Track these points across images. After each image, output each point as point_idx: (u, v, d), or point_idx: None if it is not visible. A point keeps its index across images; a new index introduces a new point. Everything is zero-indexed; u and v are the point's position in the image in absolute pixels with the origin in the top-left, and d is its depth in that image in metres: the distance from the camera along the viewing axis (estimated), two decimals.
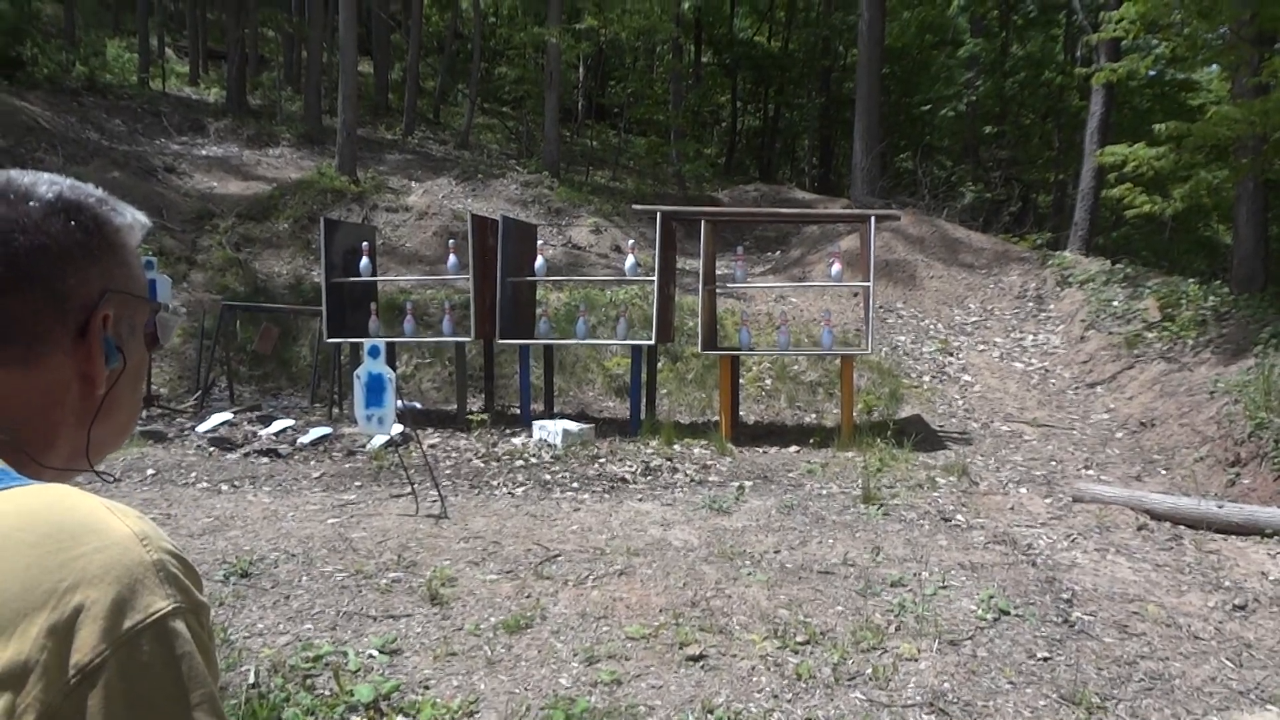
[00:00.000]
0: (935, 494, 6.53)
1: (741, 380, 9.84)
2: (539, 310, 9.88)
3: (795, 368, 10.67)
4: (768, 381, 10.46)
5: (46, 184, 0.89)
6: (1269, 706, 3.47)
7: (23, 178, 0.88)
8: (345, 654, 3.72)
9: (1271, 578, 4.91)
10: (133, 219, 0.95)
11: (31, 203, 0.86)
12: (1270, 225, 13.59)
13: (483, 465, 7.47)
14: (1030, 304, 12.80)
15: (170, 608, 0.75)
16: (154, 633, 0.73)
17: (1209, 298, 10.64)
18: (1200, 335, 9.95)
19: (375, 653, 3.76)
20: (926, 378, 10.75)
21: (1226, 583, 4.81)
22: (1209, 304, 10.49)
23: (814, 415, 9.77)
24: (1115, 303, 11.66)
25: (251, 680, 3.46)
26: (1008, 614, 4.26)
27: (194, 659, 0.75)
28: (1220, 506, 5.85)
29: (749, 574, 4.72)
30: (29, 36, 18.33)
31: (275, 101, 20.93)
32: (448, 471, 7.25)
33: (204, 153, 17.11)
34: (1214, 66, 15.61)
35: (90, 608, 0.72)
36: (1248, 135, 10.43)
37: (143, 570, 0.75)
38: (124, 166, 14.68)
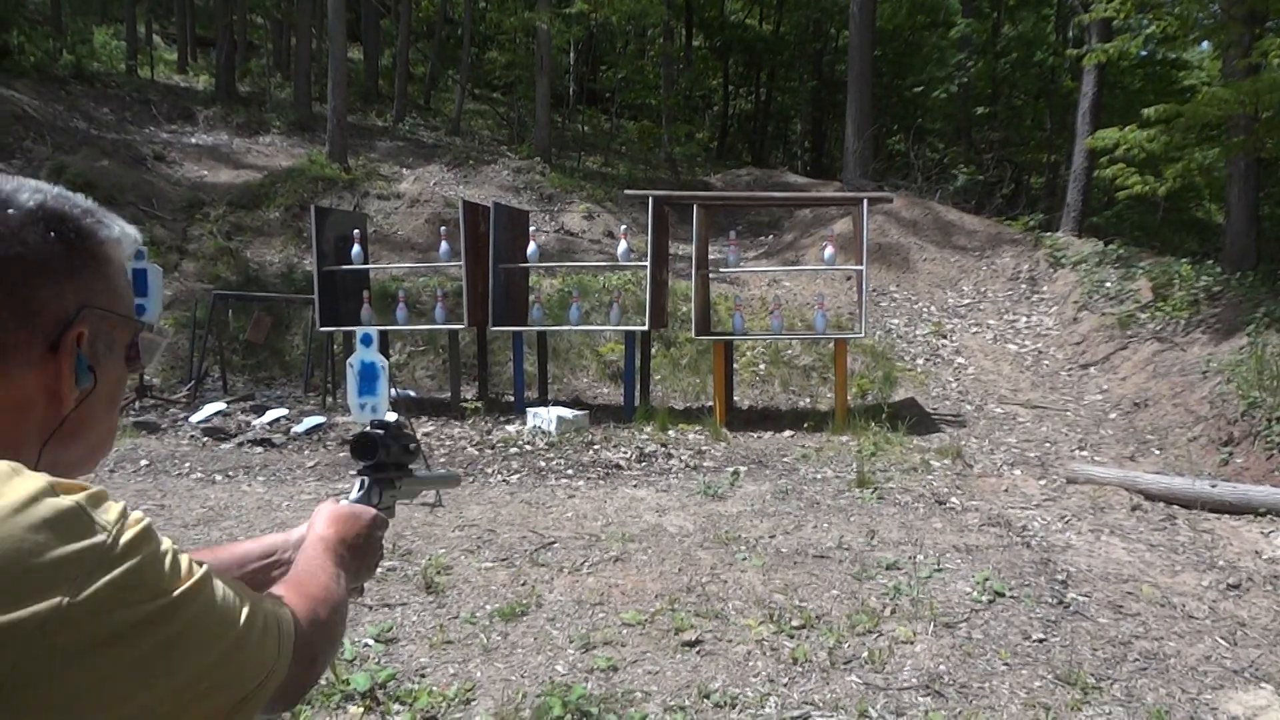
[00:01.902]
0: (929, 477, 6.54)
1: (735, 365, 9.84)
2: (532, 297, 9.86)
3: (789, 352, 10.67)
4: (761, 366, 10.46)
5: (29, 191, 0.85)
6: (1263, 684, 3.49)
7: (5, 184, 0.85)
8: (341, 643, 3.71)
9: (1265, 556, 4.93)
10: (120, 232, 0.91)
11: (10, 210, 0.83)
12: (1262, 205, 13.58)
13: (477, 453, 7.47)
14: (1023, 286, 12.80)
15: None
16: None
17: (1201, 278, 10.65)
18: (1193, 315, 9.96)
19: (371, 641, 3.76)
20: (920, 361, 10.75)
21: (1220, 562, 4.82)
22: (1201, 284, 10.49)
23: (808, 399, 9.78)
24: (1108, 283, 11.67)
25: None
26: (1003, 596, 4.27)
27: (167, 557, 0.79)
28: (1214, 486, 5.87)
29: (744, 559, 4.72)
30: (15, 24, 18.16)
31: (265, 89, 20.79)
32: (442, 460, 7.24)
33: (193, 141, 16.99)
34: (1205, 45, 15.59)
35: None
36: (1239, 115, 10.41)
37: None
38: (112, 155, 14.58)
